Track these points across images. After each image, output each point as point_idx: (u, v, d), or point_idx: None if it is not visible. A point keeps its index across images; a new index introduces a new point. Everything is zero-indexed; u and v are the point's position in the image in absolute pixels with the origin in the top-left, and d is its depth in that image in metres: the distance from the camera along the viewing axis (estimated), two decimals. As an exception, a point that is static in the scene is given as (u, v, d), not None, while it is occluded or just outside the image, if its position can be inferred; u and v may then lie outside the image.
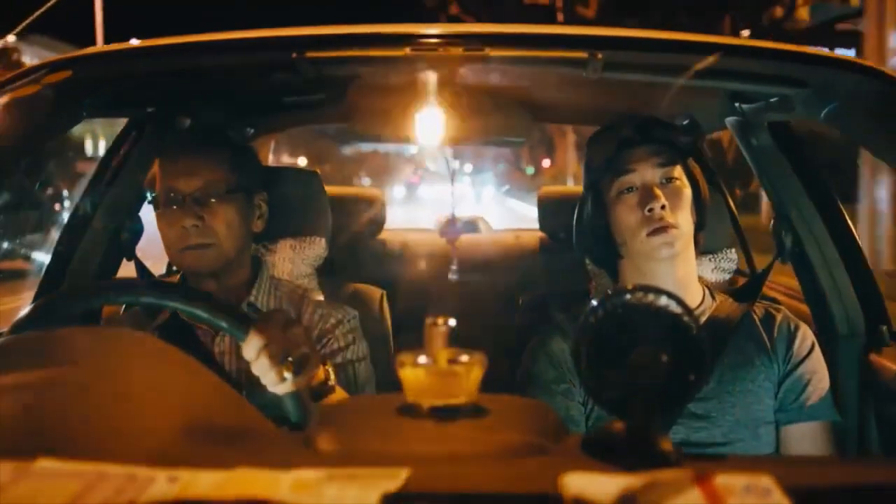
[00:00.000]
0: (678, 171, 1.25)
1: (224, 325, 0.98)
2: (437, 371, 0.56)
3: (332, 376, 1.06)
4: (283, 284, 1.40)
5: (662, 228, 1.20)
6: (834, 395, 1.26)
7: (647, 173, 1.23)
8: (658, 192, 1.21)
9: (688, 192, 1.25)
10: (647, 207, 1.20)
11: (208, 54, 1.16)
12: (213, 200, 1.25)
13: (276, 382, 0.96)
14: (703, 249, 1.41)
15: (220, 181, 1.26)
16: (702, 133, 2.09)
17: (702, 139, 2.16)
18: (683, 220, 1.23)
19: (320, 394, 1.04)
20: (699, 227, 1.29)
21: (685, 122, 1.25)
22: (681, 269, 1.25)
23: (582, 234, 1.36)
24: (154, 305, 1.25)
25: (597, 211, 1.29)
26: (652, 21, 13.05)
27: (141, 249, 1.63)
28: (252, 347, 0.95)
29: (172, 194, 1.25)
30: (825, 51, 1.19)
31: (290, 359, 0.95)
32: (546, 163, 30.41)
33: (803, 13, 15.49)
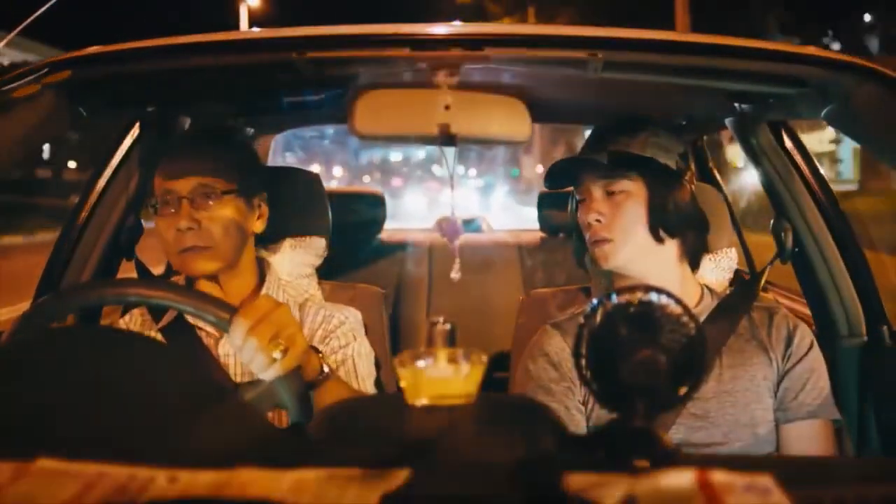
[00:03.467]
0: (624, 183, 1.23)
1: (208, 315, 0.96)
2: (437, 371, 0.56)
3: (327, 365, 1.06)
4: (289, 286, 1.40)
5: (598, 241, 1.24)
6: (834, 395, 1.26)
7: (590, 185, 1.26)
8: (596, 204, 1.24)
9: (635, 203, 1.22)
10: (587, 220, 1.25)
11: (208, 54, 1.16)
12: (209, 202, 1.23)
13: (266, 366, 0.93)
14: (694, 251, 1.37)
15: (215, 182, 1.24)
16: (702, 133, 2.09)
17: (700, 140, 2.15)
18: (624, 231, 1.22)
19: (316, 383, 1.03)
20: (672, 233, 1.24)
21: (648, 131, 1.22)
22: (661, 275, 1.23)
23: (576, 237, 1.39)
24: (139, 302, 1.24)
25: (574, 216, 1.33)
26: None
27: (140, 250, 1.63)
28: (238, 333, 0.93)
29: (168, 196, 1.23)
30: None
31: (278, 339, 0.93)
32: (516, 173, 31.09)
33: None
